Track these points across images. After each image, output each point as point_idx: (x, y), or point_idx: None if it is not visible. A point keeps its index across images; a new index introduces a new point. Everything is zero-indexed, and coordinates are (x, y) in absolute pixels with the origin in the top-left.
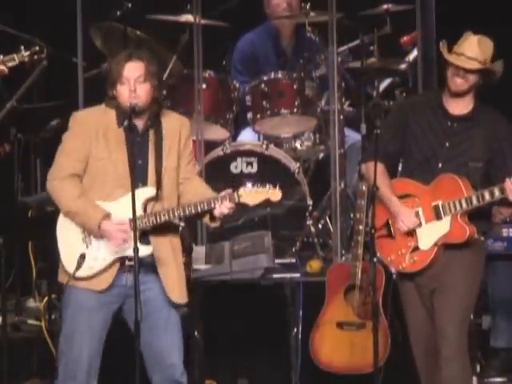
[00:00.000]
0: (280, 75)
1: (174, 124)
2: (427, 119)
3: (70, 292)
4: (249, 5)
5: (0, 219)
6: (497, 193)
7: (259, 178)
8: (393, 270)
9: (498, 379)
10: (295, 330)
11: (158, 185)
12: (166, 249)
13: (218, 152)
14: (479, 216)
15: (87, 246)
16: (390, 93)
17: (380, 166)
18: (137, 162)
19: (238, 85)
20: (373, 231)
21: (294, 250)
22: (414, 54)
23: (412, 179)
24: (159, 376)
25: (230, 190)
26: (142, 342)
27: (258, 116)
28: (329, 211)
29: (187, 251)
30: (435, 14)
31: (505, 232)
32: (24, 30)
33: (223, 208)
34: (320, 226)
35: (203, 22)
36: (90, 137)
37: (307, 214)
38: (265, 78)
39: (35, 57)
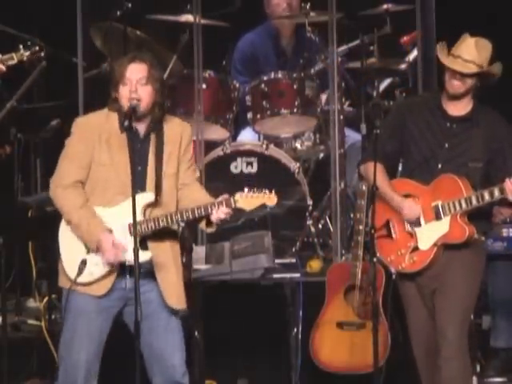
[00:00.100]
0: (280, 75)
1: (175, 130)
2: (425, 120)
3: (70, 297)
4: (249, 5)
5: (0, 219)
6: (496, 193)
7: (259, 178)
8: (392, 270)
9: (498, 379)
10: (295, 330)
11: (157, 190)
12: (165, 254)
13: (217, 152)
14: (479, 216)
15: (88, 252)
16: (390, 93)
17: (379, 166)
18: (136, 167)
19: (237, 85)
20: (373, 231)
21: (293, 249)
22: (414, 53)
23: (412, 179)
24: (159, 377)
25: (226, 196)
26: (142, 343)
27: (258, 116)
28: (329, 211)
29: (187, 251)
30: (435, 13)
31: (505, 232)
32: (24, 30)
33: (220, 213)
34: (320, 226)
35: (203, 21)
36: (93, 142)
37: (307, 213)
38: (265, 78)
39: (34, 56)
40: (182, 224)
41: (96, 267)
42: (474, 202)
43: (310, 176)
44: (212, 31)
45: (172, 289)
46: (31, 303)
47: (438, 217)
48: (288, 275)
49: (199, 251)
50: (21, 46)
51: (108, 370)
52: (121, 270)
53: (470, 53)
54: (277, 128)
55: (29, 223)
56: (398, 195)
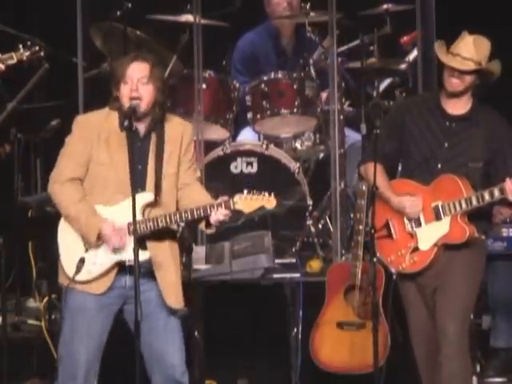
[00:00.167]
0: (280, 75)
1: (176, 129)
2: (425, 120)
3: (69, 295)
4: (249, 5)
5: (0, 219)
6: (496, 193)
7: (259, 178)
8: (393, 270)
9: (498, 379)
10: (295, 330)
11: (157, 190)
12: (164, 253)
13: (217, 152)
14: (479, 216)
15: (87, 251)
16: (390, 93)
17: (379, 167)
18: (136, 166)
19: (238, 85)
20: (373, 231)
21: (293, 249)
22: (414, 53)
23: (411, 180)
24: (159, 376)
25: (225, 198)
26: (141, 343)
27: (258, 116)
28: (329, 211)
29: (187, 251)
30: (435, 13)
31: (505, 232)
32: (24, 30)
33: (219, 215)
34: (320, 225)
35: (203, 21)
36: (92, 140)
37: (307, 213)
38: (265, 78)
39: (34, 56)
40: (182, 224)
41: (94, 266)
42: (474, 202)
43: (310, 176)
44: (212, 31)
45: (171, 288)
46: (31, 303)
47: (438, 217)
48: (288, 275)
49: (199, 251)
50: (20, 46)
51: (108, 370)
52: (120, 268)
53: (469, 50)
54: (277, 128)
55: (29, 223)
56: (396, 196)
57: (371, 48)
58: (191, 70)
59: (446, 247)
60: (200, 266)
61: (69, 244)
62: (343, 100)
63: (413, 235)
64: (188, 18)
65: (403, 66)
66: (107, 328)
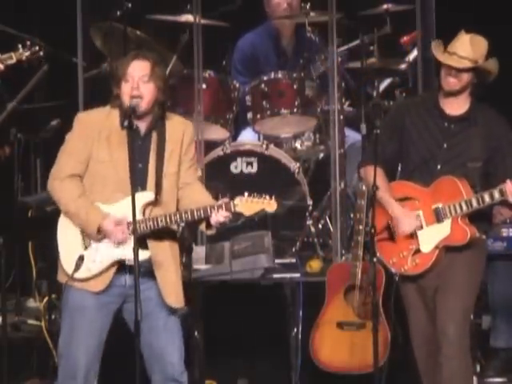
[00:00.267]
0: (280, 75)
1: (177, 128)
2: (423, 121)
3: (68, 292)
4: (249, 5)
5: (0, 219)
6: (497, 195)
7: (259, 178)
8: (393, 270)
9: (498, 379)
10: (295, 330)
11: (158, 189)
12: (164, 252)
13: (217, 152)
14: (479, 216)
15: (86, 248)
16: (390, 93)
17: (378, 170)
18: (137, 165)
19: (238, 85)
20: (373, 231)
21: (293, 250)
22: (414, 53)
23: (411, 182)
24: (158, 375)
25: (226, 199)
26: (141, 342)
27: (258, 116)
28: (329, 211)
29: (187, 251)
30: (435, 13)
31: (505, 232)
32: (24, 30)
33: (219, 216)
34: (320, 226)
35: (203, 21)
36: (93, 138)
37: (307, 213)
38: (265, 78)
39: (34, 56)
40: (182, 224)
41: (94, 263)
42: (475, 204)
43: (310, 176)
44: (212, 31)
45: (171, 287)
46: (31, 303)
47: (439, 219)
48: (288, 275)
49: (199, 251)
50: (20, 46)
51: (108, 370)
52: (120, 267)
53: (465, 49)
54: (277, 128)
55: (29, 223)
56: (396, 203)
57: (371, 48)
58: (191, 70)
59: (447, 249)
60: (200, 266)
61: (68, 241)
62: (343, 100)
63: (414, 237)
64: (188, 17)
65: (403, 66)
66: (107, 327)
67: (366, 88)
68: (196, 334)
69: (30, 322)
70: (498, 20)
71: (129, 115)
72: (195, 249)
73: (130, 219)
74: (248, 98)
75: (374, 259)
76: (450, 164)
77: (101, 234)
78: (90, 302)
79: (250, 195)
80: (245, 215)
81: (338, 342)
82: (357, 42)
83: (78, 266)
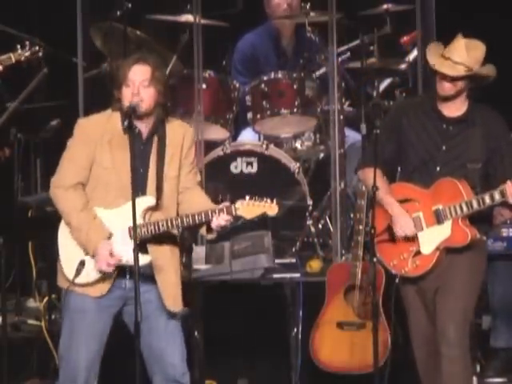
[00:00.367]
0: (280, 75)
1: (177, 131)
2: (422, 122)
3: (69, 297)
4: (249, 5)
5: (0, 219)
6: (497, 196)
7: (259, 178)
8: (394, 272)
9: (498, 379)
10: (295, 330)
11: (158, 193)
12: (165, 257)
13: (217, 152)
14: (480, 217)
15: (87, 253)
16: (390, 93)
17: (377, 171)
18: (138, 169)
19: (238, 85)
20: (373, 231)
21: (293, 250)
22: (414, 53)
23: (411, 183)
24: (160, 377)
25: (227, 203)
26: (142, 343)
27: (258, 116)
28: (329, 211)
29: (187, 251)
30: (435, 13)
31: (505, 232)
32: (24, 30)
33: (220, 220)
34: (320, 226)
35: (203, 21)
36: (95, 143)
37: (307, 213)
38: (265, 78)
39: (33, 56)
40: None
41: (94, 269)
42: (475, 205)
43: (310, 176)
44: (212, 31)
45: (170, 291)
46: (31, 303)
47: (439, 221)
48: (288, 275)
49: (199, 251)
50: (18, 46)
51: (108, 370)
52: (120, 270)
53: (461, 55)
54: (277, 128)
55: (29, 223)
56: (397, 204)
57: (371, 48)
58: (191, 70)
59: (447, 250)
60: (200, 266)
61: (69, 246)
62: (343, 100)
63: (414, 239)
64: (188, 17)
65: (403, 66)
66: (107, 330)
67: (366, 88)
68: (196, 334)
69: (30, 322)
70: (497, 20)
71: (129, 115)
72: (195, 249)
73: (131, 224)
74: (248, 97)
75: (374, 259)
76: (449, 166)
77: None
78: (91, 305)
79: (251, 198)
80: (246, 219)
81: (338, 342)
82: (357, 41)
83: (78, 272)
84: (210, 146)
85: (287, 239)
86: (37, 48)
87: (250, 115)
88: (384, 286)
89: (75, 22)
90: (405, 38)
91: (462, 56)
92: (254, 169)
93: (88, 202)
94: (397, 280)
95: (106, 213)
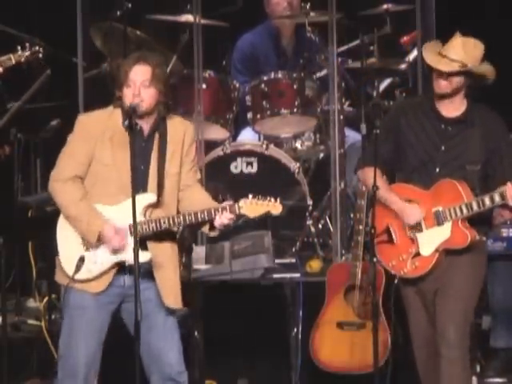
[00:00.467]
0: (280, 75)
1: (178, 129)
2: (420, 123)
3: (68, 293)
4: (249, 5)
5: (0, 219)
6: (497, 198)
7: (259, 178)
8: (393, 273)
9: (498, 379)
10: (295, 330)
11: (159, 190)
12: (164, 254)
13: (218, 152)
14: (480, 218)
15: (87, 249)
16: (390, 93)
17: (377, 171)
18: (139, 166)
19: (238, 85)
20: (373, 231)
21: (293, 250)
22: (414, 53)
23: (411, 184)
24: (157, 375)
25: (230, 202)
26: (141, 342)
27: (258, 116)
28: (329, 211)
29: (187, 251)
30: (435, 13)
31: (505, 232)
32: (24, 30)
33: (223, 219)
34: (320, 226)
35: (203, 21)
36: (96, 139)
37: (307, 213)
38: (265, 78)
39: (33, 57)
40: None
41: (95, 265)
42: (475, 207)
43: (310, 176)
44: (212, 31)
45: (170, 288)
46: (31, 303)
47: (439, 222)
48: (288, 275)
49: (199, 251)
50: (19, 47)
51: (108, 370)
52: (120, 267)
53: (457, 52)
54: (277, 128)
55: (29, 223)
56: (398, 198)
57: (371, 48)
58: (191, 70)
59: (447, 251)
60: (200, 266)
61: (68, 242)
62: (343, 100)
63: (414, 240)
64: (188, 17)
65: (403, 66)
66: (106, 326)
67: (366, 88)
68: (196, 334)
69: (30, 322)
70: (497, 20)
71: (129, 115)
72: (195, 249)
73: (131, 221)
74: (248, 97)
75: (374, 259)
76: (448, 166)
77: (100, 241)
78: (90, 302)
79: (254, 197)
80: (249, 217)
81: (338, 342)
82: (357, 41)
83: (78, 268)
84: (210, 145)
85: (287, 239)
86: (37, 48)
87: (249, 115)
88: (384, 286)
89: (75, 22)
90: (405, 38)
91: (459, 53)
92: (253, 169)
93: (86, 194)
94: (396, 280)
95: (105, 209)
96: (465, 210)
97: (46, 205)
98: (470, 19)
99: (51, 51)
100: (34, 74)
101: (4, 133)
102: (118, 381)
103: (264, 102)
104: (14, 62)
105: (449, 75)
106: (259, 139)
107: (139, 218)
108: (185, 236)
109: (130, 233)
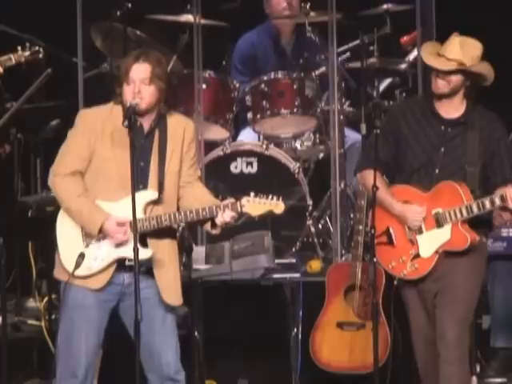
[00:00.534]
0: (280, 75)
1: (178, 126)
2: (420, 124)
3: (67, 290)
4: (249, 4)
5: (0, 219)
6: (497, 201)
7: (259, 178)
8: (392, 274)
9: (498, 379)
10: (295, 330)
11: (160, 188)
12: (164, 251)
13: (218, 152)
14: (480, 219)
15: (87, 246)
16: (389, 93)
17: (376, 173)
18: (139, 163)
19: (238, 85)
20: (373, 231)
21: (293, 249)
22: (414, 53)
23: (410, 186)
24: (155, 374)
25: (232, 200)
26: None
27: (258, 116)
28: (329, 211)
29: (187, 251)
30: (435, 13)
31: (504, 232)
32: (24, 30)
33: (225, 216)
34: (320, 226)
35: (203, 22)
36: (96, 135)
37: (307, 214)
38: (265, 78)
39: (33, 57)
40: (182, 224)
41: (95, 261)
42: (475, 209)
43: (310, 176)
44: (212, 31)
45: (169, 285)
46: (31, 303)
47: (439, 224)
48: (288, 275)
49: (199, 251)
50: (19, 48)
51: (108, 370)
52: (119, 264)
53: (454, 51)
54: (277, 128)
55: (29, 223)
56: (397, 202)
57: (371, 48)
58: (191, 70)
59: (446, 253)
60: (200, 266)
61: (68, 238)
62: (343, 100)
63: (414, 242)
64: (188, 17)
65: (403, 66)
66: (104, 324)
67: (366, 88)
68: (196, 334)
69: (30, 322)
70: (497, 20)
71: (129, 116)
72: (195, 249)
73: (131, 218)
74: (248, 97)
75: (374, 259)
76: (448, 168)
77: (102, 234)
78: (90, 300)
79: (256, 195)
80: (251, 216)
81: (338, 343)
82: (357, 42)
83: (78, 264)
84: (210, 145)
85: (287, 239)
86: (37, 48)
87: (249, 115)
88: (384, 286)
89: (75, 22)
90: (405, 38)
91: (456, 53)
92: (253, 169)
93: (87, 189)
94: (395, 282)
95: (106, 205)
96: (465, 213)
97: (45, 205)
98: (470, 19)
99: (51, 51)
100: (34, 73)
101: (4, 133)
102: (117, 380)
103: (264, 102)
104: (14, 62)
105: (447, 74)
106: (259, 139)
107: (139, 214)
108: (185, 236)
109: (131, 229)
